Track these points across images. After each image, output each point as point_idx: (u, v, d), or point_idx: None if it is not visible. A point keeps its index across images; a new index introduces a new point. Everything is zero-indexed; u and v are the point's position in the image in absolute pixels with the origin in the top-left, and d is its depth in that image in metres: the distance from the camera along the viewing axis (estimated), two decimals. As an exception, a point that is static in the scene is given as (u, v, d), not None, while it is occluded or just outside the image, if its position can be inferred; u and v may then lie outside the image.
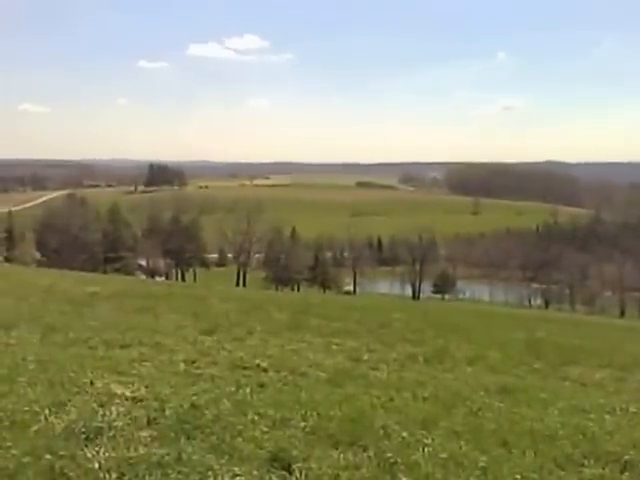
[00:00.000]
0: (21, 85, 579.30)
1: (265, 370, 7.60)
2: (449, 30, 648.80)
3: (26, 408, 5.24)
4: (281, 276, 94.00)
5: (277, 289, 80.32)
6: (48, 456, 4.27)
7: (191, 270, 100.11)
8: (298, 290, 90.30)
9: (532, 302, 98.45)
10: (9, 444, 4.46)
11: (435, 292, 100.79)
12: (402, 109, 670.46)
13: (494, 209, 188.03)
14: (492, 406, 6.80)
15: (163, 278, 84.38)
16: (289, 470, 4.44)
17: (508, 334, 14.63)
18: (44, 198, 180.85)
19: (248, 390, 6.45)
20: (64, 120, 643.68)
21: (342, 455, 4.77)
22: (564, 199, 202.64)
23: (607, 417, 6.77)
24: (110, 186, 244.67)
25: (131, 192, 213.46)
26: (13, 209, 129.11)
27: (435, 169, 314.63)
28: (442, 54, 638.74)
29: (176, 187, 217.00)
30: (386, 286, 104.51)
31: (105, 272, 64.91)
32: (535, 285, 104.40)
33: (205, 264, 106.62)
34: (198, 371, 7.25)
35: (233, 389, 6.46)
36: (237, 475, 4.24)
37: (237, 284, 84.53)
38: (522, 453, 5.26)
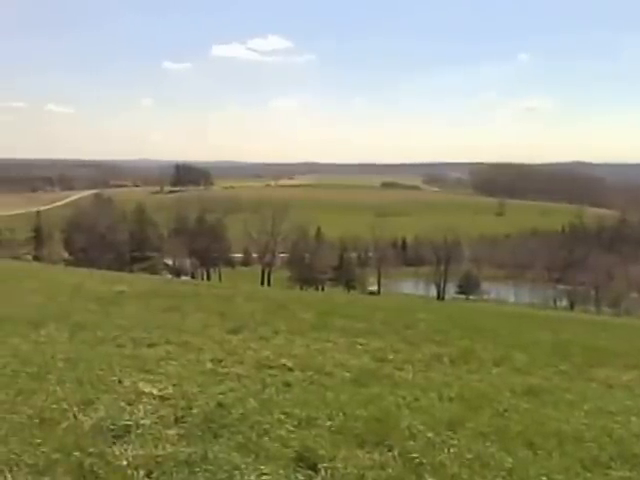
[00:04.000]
0: (47, 86, 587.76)
1: (291, 369, 7.61)
2: (472, 31, 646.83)
3: (55, 406, 5.32)
4: (305, 276, 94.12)
5: (301, 289, 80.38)
6: (77, 453, 4.33)
7: (216, 270, 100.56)
8: (322, 290, 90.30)
9: (557, 303, 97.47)
10: (39, 441, 4.52)
11: (459, 293, 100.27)
12: (426, 110, 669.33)
13: (519, 210, 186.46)
14: (518, 407, 6.75)
15: (189, 277, 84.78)
16: (315, 469, 4.45)
17: (534, 335, 14.49)
18: (72, 198, 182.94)
19: (274, 389, 6.48)
20: (90, 121, 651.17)
21: (368, 455, 4.77)
22: (590, 200, 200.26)
23: (634, 419, 6.67)
24: (136, 186, 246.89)
25: (157, 192, 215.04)
26: (41, 209, 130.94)
27: (459, 169, 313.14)
28: (465, 55, 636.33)
29: (202, 187, 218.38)
30: (410, 286, 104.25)
31: (132, 271, 65.45)
32: (560, 286, 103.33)
33: (230, 264, 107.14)
34: (224, 370, 7.29)
35: (259, 388, 6.49)
36: (264, 474, 4.27)
37: (262, 283, 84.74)
38: (548, 454, 5.22)
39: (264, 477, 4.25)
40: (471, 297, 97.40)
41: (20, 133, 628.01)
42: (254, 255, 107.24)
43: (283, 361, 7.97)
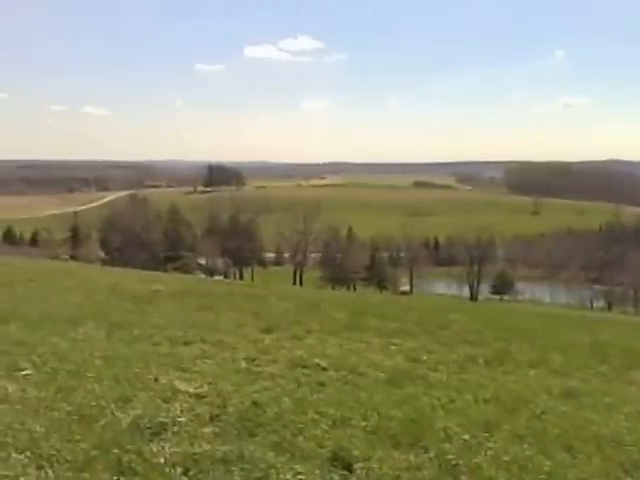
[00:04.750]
0: (83, 88, 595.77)
1: (324, 369, 7.62)
2: (506, 29, 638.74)
3: (94, 403, 5.39)
4: (337, 276, 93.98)
5: (333, 289, 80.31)
6: (115, 450, 4.38)
7: (249, 269, 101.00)
8: (354, 290, 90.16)
9: (594, 304, 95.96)
10: (78, 437, 4.59)
11: (493, 293, 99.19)
12: (459, 108, 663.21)
13: (555, 209, 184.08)
14: (556, 410, 6.67)
15: (222, 277, 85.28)
16: (350, 469, 4.45)
17: (571, 336, 14.31)
18: (107, 198, 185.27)
19: (308, 389, 6.49)
20: (125, 122, 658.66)
21: (403, 456, 4.76)
22: (627, 198, 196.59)
23: (675, 423, 6.55)
24: (170, 186, 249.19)
25: (191, 192, 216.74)
26: (78, 209, 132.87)
27: (493, 168, 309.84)
28: (499, 53, 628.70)
29: (234, 187, 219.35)
30: (443, 287, 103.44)
31: (166, 271, 66.09)
32: (597, 286, 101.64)
33: (262, 263, 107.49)
34: (258, 369, 7.33)
35: (293, 387, 6.51)
36: (299, 473, 4.27)
37: (294, 283, 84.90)
38: (588, 458, 5.15)
39: (299, 476, 4.25)
40: (505, 297, 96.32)
41: (58, 135, 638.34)
42: (286, 255, 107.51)
43: (317, 361, 7.98)
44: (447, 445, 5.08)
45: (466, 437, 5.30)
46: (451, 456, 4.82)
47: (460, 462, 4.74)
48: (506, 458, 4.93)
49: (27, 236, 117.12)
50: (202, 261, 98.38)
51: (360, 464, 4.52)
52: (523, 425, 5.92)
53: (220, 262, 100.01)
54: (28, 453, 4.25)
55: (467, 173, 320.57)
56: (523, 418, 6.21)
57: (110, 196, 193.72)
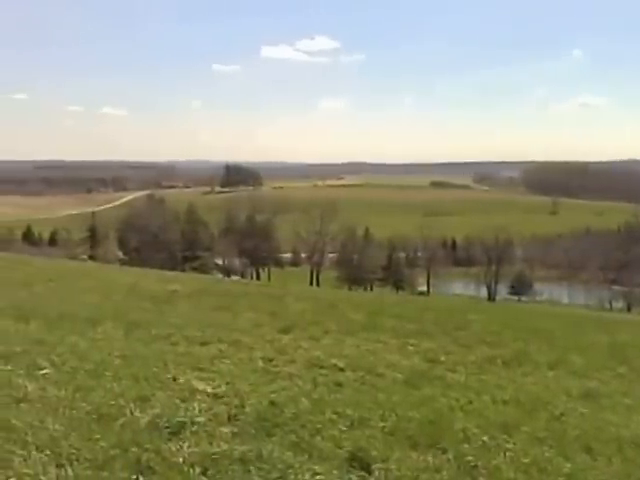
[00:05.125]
0: (101, 89, 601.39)
1: (342, 370, 7.61)
2: (523, 28, 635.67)
3: (112, 402, 5.41)
4: (354, 276, 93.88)
5: (350, 289, 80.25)
6: (134, 449, 4.39)
7: (265, 269, 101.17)
8: (371, 290, 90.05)
9: (613, 305, 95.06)
10: (97, 436, 4.60)
11: (511, 294, 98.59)
12: (476, 108, 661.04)
13: (573, 209, 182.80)
14: (575, 411, 6.62)
15: (239, 277, 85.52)
16: (368, 470, 4.44)
17: (590, 337, 14.18)
18: (125, 199, 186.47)
19: (325, 389, 6.49)
20: (142, 123, 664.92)
21: (422, 457, 4.74)
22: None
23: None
24: (188, 187, 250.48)
25: (208, 192, 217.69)
26: (96, 209, 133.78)
27: (511, 168, 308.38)
28: (516, 53, 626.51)
29: (251, 188, 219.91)
30: (460, 287, 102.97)
31: (183, 271, 66.38)
32: (616, 287, 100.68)
33: (279, 263, 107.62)
34: (276, 369, 7.33)
35: (311, 388, 6.50)
36: (317, 474, 4.27)
37: (310, 283, 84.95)
38: (608, 460, 5.11)
39: (318, 477, 4.25)
40: (523, 298, 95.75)
41: (76, 136, 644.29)
42: (303, 255, 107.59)
43: (334, 361, 7.98)
44: (466, 446, 5.05)
45: (485, 438, 5.27)
46: (470, 457, 4.80)
47: (479, 463, 4.72)
48: (525, 460, 4.90)
49: (46, 236, 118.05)
50: (219, 261, 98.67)
51: (378, 465, 4.50)
52: (542, 427, 5.88)
53: (237, 262, 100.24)
54: (48, 452, 4.28)
55: (485, 173, 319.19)
56: (542, 420, 6.17)
57: (128, 196, 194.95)
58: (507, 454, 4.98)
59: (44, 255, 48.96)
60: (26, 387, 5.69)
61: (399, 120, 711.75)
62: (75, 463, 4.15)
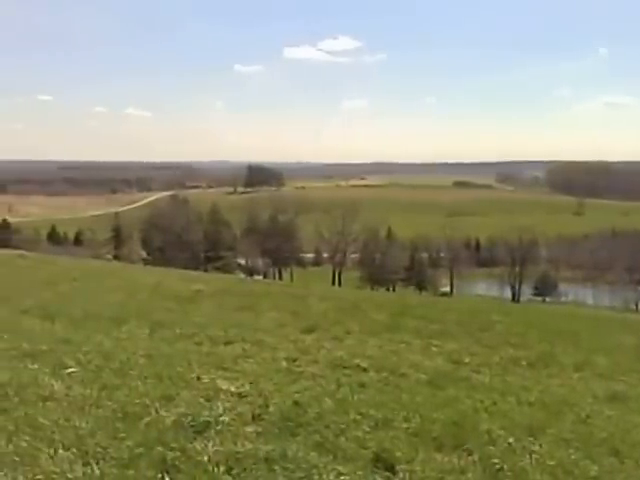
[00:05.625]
0: (125, 91, 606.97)
1: (365, 370, 7.59)
2: (547, 28, 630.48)
3: (137, 401, 5.45)
4: (376, 276, 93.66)
5: (372, 289, 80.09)
6: (160, 448, 4.42)
7: (288, 269, 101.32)
8: (393, 290, 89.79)
9: (639, 306, 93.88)
10: (123, 435, 4.64)
11: (535, 295, 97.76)
12: (499, 107, 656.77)
13: (598, 209, 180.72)
14: (602, 413, 6.54)
15: (261, 277, 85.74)
16: (393, 471, 4.42)
17: (616, 339, 14.00)
18: (149, 199, 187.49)
19: (349, 389, 6.47)
20: (166, 124, 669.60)
21: (446, 458, 4.71)
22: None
23: None
24: (211, 187, 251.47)
25: (231, 193, 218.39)
26: (120, 210, 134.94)
27: (535, 168, 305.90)
28: (540, 51, 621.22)
29: (274, 188, 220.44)
30: (484, 288, 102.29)
31: (206, 270, 66.69)
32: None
33: (301, 263, 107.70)
34: (299, 369, 7.33)
35: (334, 388, 6.49)
36: (342, 474, 4.26)
37: (333, 283, 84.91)
38: (635, 463, 5.05)
39: (342, 477, 4.24)
40: (548, 299, 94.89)
41: (101, 137, 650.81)
42: (325, 255, 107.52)
43: (357, 361, 7.96)
44: (491, 448, 5.02)
45: (510, 440, 5.22)
46: (495, 460, 4.76)
47: (504, 466, 4.68)
48: (551, 462, 4.85)
49: (71, 236, 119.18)
50: (242, 261, 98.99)
51: (403, 466, 4.49)
52: (568, 429, 5.82)
53: (260, 262, 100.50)
54: (74, 450, 4.32)
55: (508, 173, 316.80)
56: (568, 422, 6.11)
57: (151, 197, 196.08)
58: (533, 456, 4.93)
59: (69, 255, 49.40)
60: (52, 385, 5.76)
61: (422, 120, 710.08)
62: (101, 461, 4.19)
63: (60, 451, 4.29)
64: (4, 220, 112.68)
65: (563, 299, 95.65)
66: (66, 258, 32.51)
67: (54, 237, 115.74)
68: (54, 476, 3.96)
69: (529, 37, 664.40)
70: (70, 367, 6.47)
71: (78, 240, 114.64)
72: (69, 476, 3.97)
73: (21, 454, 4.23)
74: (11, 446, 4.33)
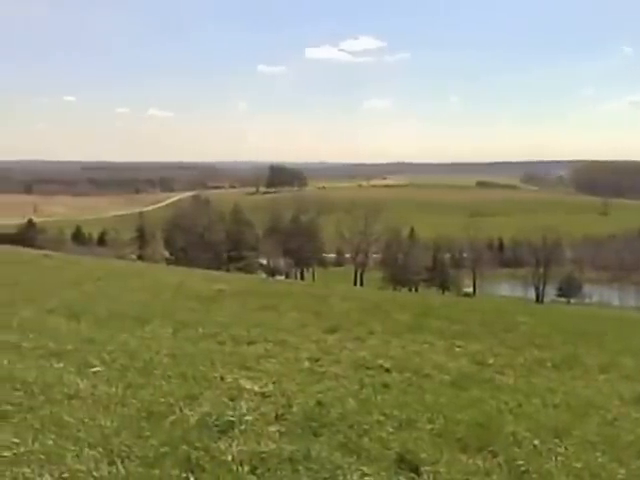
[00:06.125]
0: (148, 92, 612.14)
1: (388, 370, 7.56)
2: (572, 27, 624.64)
3: (162, 400, 5.48)
4: (399, 276, 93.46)
5: (394, 289, 79.91)
6: (184, 447, 4.44)
7: (310, 269, 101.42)
8: (416, 291, 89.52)
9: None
10: (148, 434, 4.67)
11: (560, 296, 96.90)
12: (523, 107, 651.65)
13: (623, 209, 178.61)
14: (628, 416, 6.45)
15: (283, 277, 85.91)
16: (417, 472, 4.40)
17: (642, 341, 13.82)
18: (172, 199, 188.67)
19: (372, 390, 6.45)
20: (188, 124, 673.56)
21: (471, 460, 4.68)
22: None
23: None
24: (233, 187, 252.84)
25: (253, 193, 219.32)
26: (144, 210, 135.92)
27: (560, 168, 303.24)
28: (564, 51, 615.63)
29: (295, 188, 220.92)
30: (507, 288, 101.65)
31: (228, 270, 66.95)
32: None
33: (323, 264, 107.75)
34: (322, 369, 7.32)
35: (357, 388, 6.48)
36: (366, 475, 4.25)
37: (354, 284, 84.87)
38: (664, 467, 4.96)
39: (366, 478, 4.23)
40: (572, 300, 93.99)
41: (124, 137, 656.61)
42: (347, 255, 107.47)
43: (380, 362, 7.93)
44: (516, 450, 4.97)
45: (536, 442, 5.17)
46: (520, 461, 4.72)
47: (530, 468, 4.64)
48: (577, 465, 4.80)
49: (95, 236, 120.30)
50: (264, 261, 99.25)
51: (427, 467, 4.46)
52: (594, 431, 5.75)
53: (282, 262, 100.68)
54: (100, 449, 4.35)
55: (532, 173, 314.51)
56: (594, 424, 6.03)
57: (174, 197, 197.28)
58: (559, 459, 4.89)
59: (93, 255, 49.89)
60: (78, 384, 5.81)
61: (444, 120, 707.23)
62: (126, 460, 4.21)
63: (86, 450, 4.32)
64: (29, 220, 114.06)
65: (588, 300, 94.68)
66: (90, 258, 32.81)
67: (78, 237, 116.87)
68: (80, 474, 3.99)
69: (553, 37, 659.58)
70: (95, 366, 6.52)
71: (102, 240, 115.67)
72: (95, 475, 4.00)
73: (47, 452, 4.26)
74: (37, 444, 4.36)
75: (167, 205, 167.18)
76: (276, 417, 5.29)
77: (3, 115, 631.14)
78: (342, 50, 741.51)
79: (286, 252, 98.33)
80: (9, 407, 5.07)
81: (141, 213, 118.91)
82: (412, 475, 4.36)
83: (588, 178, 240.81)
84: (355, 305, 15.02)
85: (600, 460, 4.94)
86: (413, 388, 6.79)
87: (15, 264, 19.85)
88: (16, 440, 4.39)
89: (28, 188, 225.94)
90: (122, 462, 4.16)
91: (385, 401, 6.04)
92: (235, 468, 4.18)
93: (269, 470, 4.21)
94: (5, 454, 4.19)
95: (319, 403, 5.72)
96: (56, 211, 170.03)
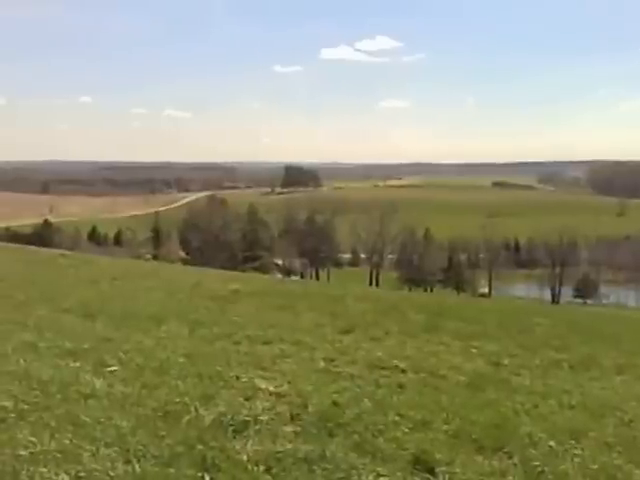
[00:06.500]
0: (164, 92, 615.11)
1: (403, 371, 7.54)
2: (590, 28, 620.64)
3: (177, 399, 5.50)
4: (414, 277, 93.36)
5: (410, 290, 79.78)
6: (200, 446, 4.45)
7: (325, 270, 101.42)
8: (431, 291, 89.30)
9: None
10: (163, 433, 4.68)
11: (576, 297, 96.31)
12: (540, 107, 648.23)
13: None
14: (646, 418, 6.40)
15: (298, 277, 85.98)
16: (433, 473, 4.39)
17: (660, 342, 13.69)
18: (187, 199, 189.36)
19: (387, 390, 6.45)
20: (205, 124, 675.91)
21: (487, 461, 4.66)
22: None
23: None
24: (248, 187, 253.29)
25: (268, 193, 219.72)
26: (159, 210, 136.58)
27: (577, 168, 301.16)
28: (582, 51, 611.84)
29: (311, 188, 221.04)
30: (523, 289, 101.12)
31: (244, 270, 67.11)
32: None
33: (338, 264, 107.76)
34: (337, 369, 7.32)
35: (372, 389, 6.47)
36: (381, 475, 4.25)
37: (370, 284, 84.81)
38: (682, 469, 4.92)
39: (381, 478, 4.23)
40: (588, 301, 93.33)
41: (141, 137, 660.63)
42: (362, 256, 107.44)
43: (395, 362, 7.91)
44: (532, 451, 4.95)
45: (552, 444, 5.15)
46: (536, 463, 4.70)
47: (546, 469, 4.62)
48: (594, 466, 4.77)
49: (111, 236, 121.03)
50: (279, 261, 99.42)
51: (443, 468, 4.45)
52: (611, 433, 5.71)
53: (297, 262, 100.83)
54: (116, 448, 4.36)
55: (549, 173, 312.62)
56: (611, 425, 5.99)
57: (190, 197, 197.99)
58: (575, 460, 4.86)
59: (109, 254, 50.18)
60: (94, 383, 5.83)
61: (461, 120, 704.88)
62: (142, 459, 4.22)
63: (102, 449, 4.33)
64: (46, 220, 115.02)
65: (604, 301, 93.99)
66: (106, 258, 32.99)
67: (94, 237, 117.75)
68: (96, 473, 4.00)
69: (570, 38, 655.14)
70: (111, 365, 6.55)
71: (118, 240, 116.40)
72: (111, 474, 4.01)
73: (63, 451, 4.27)
74: (53, 443, 4.38)
75: (183, 205, 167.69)
76: (291, 417, 5.29)
77: (21, 116, 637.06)
78: (358, 50, 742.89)
79: (301, 252, 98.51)
80: (25, 406, 5.10)
81: (157, 213, 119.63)
82: (427, 476, 4.34)
83: (605, 178, 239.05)
84: (371, 305, 14.99)
85: (617, 462, 4.91)
86: (429, 389, 6.77)
87: (32, 263, 19.99)
88: (33, 439, 4.41)
89: (45, 188, 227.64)
90: (138, 461, 4.18)
91: (401, 402, 6.03)
92: (250, 468, 4.19)
93: (284, 470, 4.21)
94: (22, 453, 4.21)
95: (334, 403, 5.72)
96: (72, 211, 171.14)
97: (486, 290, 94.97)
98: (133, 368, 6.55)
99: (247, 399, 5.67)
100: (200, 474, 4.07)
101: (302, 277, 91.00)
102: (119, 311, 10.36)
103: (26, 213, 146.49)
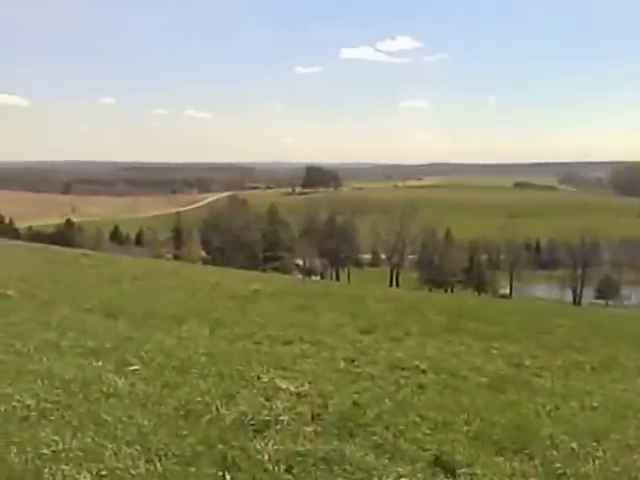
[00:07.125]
0: (186, 93, 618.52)
1: (424, 372, 7.53)
2: (614, 28, 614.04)
3: (199, 399, 5.53)
4: (435, 277, 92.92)
5: (430, 290, 79.43)
6: (220, 446, 4.47)
7: (345, 270, 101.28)
8: (452, 292, 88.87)
9: None
10: (185, 432, 4.71)
11: (597, 298, 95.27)
12: (562, 108, 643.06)
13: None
14: (669, 420, 6.32)
15: (318, 277, 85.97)
16: (453, 474, 4.37)
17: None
18: (209, 199, 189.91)
19: (408, 391, 6.44)
20: (225, 125, 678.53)
21: (508, 462, 4.64)
22: None
23: None
24: (269, 188, 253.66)
25: (289, 193, 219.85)
26: (181, 210, 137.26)
27: (599, 169, 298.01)
28: (604, 51, 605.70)
29: (331, 189, 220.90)
30: (544, 290, 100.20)
31: (264, 271, 67.30)
32: None
33: (358, 264, 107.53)
34: (358, 370, 7.32)
35: (393, 389, 6.47)
36: (402, 476, 4.24)
37: (390, 285, 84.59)
38: None
39: (402, 479, 4.22)
40: (610, 302, 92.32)
41: (162, 138, 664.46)
42: (382, 256, 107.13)
43: (416, 363, 7.89)
44: (553, 453, 4.92)
45: (573, 445, 5.11)
46: (558, 464, 4.67)
47: (567, 471, 4.59)
48: (616, 469, 4.73)
49: (132, 236, 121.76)
50: (299, 261, 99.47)
51: (463, 469, 4.43)
52: (633, 435, 5.65)
53: (317, 263, 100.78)
54: (137, 447, 4.40)
55: (571, 174, 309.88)
56: (633, 427, 5.93)
57: (211, 197, 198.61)
58: (596, 462, 4.82)
59: (130, 254, 50.51)
60: (116, 383, 5.88)
61: (482, 120, 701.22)
62: (163, 458, 4.25)
63: (123, 447, 4.37)
64: (68, 220, 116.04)
65: (626, 302, 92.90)
66: (128, 257, 33.24)
67: (116, 237, 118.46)
68: (118, 472, 4.04)
69: (592, 39, 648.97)
70: (133, 365, 6.60)
71: (139, 240, 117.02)
72: (132, 472, 4.04)
73: (85, 450, 4.31)
74: (75, 442, 4.42)
75: (204, 205, 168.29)
76: (312, 417, 5.30)
77: (43, 117, 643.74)
78: (379, 50, 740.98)
79: (321, 252, 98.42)
80: (48, 405, 5.16)
81: (178, 213, 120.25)
82: (448, 477, 4.34)
83: (627, 179, 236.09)
84: (391, 306, 14.99)
85: (638, 464, 4.86)
86: (449, 390, 6.75)
87: (55, 263, 20.21)
88: (55, 437, 4.46)
89: (67, 188, 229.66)
90: (159, 460, 4.20)
91: (421, 402, 6.02)
92: (271, 467, 4.21)
93: (305, 470, 4.22)
94: (44, 451, 4.25)
95: (355, 404, 5.73)
96: (94, 211, 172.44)
97: (507, 291, 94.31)
98: (154, 367, 6.60)
99: (268, 399, 5.68)
100: (221, 473, 4.09)
101: (322, 277, 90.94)
102: (141, 310, 10.45)
103: (49, 213, 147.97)
